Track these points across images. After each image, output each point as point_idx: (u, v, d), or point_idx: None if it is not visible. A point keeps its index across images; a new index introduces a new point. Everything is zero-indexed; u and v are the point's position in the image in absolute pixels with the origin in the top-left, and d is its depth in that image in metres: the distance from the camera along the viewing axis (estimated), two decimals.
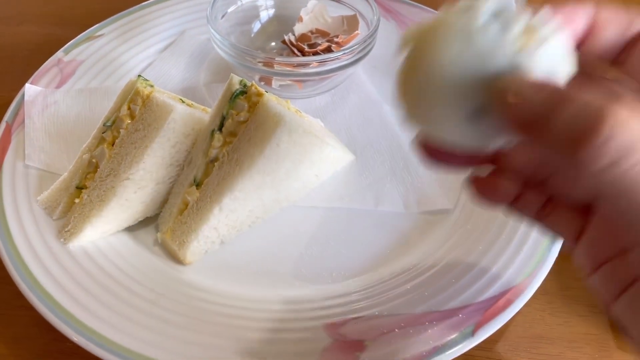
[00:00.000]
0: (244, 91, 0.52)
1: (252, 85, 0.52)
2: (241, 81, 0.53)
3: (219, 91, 0.69)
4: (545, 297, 0.54)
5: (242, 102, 0.52)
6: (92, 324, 0.45)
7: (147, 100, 0.52)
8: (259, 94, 0.51)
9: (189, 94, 0.68)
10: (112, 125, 0.53)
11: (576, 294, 0.55)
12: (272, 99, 0.52)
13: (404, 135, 0.65)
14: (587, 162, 0.25)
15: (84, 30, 0.73)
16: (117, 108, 0.53)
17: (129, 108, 0.53)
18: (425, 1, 0.81)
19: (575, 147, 0.25)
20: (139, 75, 0.53)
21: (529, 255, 0.50)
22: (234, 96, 0.52)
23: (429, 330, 0.45)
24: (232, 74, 0.53)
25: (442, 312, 0.47)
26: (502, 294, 0.47)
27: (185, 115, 0.52)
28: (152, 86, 0.53)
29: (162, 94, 0.53)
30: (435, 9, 0.79)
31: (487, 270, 0.49)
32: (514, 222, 0.53)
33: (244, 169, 0.51)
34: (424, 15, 0.78)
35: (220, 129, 0.52)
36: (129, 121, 0.52)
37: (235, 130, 0.52)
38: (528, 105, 0.27)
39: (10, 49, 0.80)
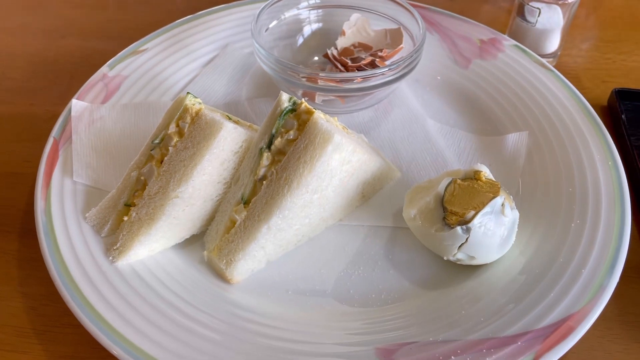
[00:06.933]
0: (294, 109, 0.51)
1: (301, 103, 0.51)
2: (290, 98, 0.52)
3: (262, 106, 0.69)
4: (604, 322, 0.52)
5: (291, 120, 0.51)
6: (140, 344, 0.45)
7: (196, 118, 0.52)
8: (309, 112, 0.51)
9: (231, 108, 0.68)
10: (160, 142, 0.53)
11: (635, 320, 0.52)
12: (321, 117, 0.51)
13: (449, 150, 0.64)
14: None
15: (126, 44, 0.73)
16: (166, 125, 0.53)
17: (178, 125, 0.52)
18: (468, 13, 0.80)
19: None
20: (188, 92, 0.53)
21: (589, 279, 0.48)
22: (283, 114, 0.51)
23: (487, 359, 0.44)
24: (281, 92, 0.52)
25: (500, 338, 0.45)
26: (563, 320, 0.46)
27: (234, 133, 0.51)
28: (200, 103, 0.53)
29: (211, 111, 0.53)
30: (478, 20, 0.78)
31: (546, 295, 0.48)
32: (571, 242, 0.52)
33: (292, 187, 0.50)
34: (466, 27, 0.77)
35: (269, 147, 0.52)
36: (178, 139, 0.52)
37: (284, 149, 0.51)
38: None
39: (54, 63, 0.81)
